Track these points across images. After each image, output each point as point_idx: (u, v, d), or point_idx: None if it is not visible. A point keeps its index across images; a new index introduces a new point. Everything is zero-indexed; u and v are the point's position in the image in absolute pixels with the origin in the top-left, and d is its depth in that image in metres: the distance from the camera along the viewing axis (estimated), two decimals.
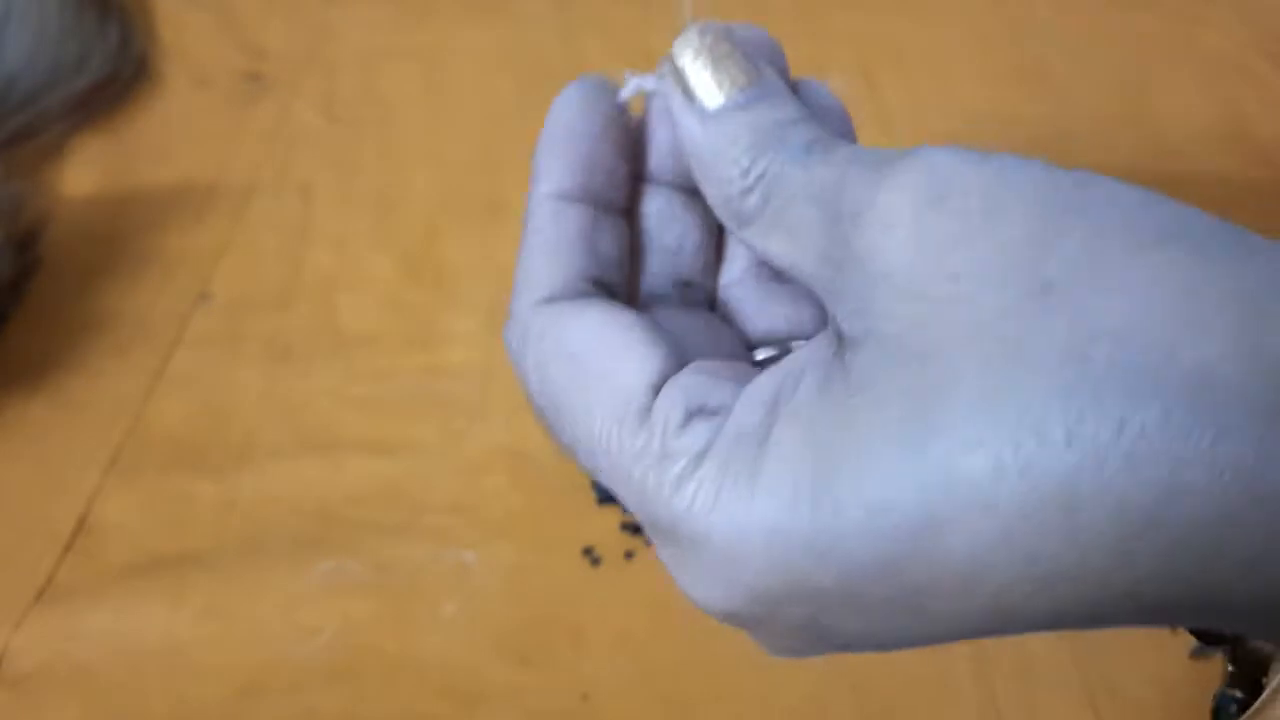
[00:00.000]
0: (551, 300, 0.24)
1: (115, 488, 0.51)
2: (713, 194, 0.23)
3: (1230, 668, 0.30)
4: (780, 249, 0.22)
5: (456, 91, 0.70)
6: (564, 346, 0.23)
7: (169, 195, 0.63)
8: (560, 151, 0.24)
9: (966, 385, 0.18)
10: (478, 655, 0.45)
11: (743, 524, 0.20)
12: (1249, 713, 0.23)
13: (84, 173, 0.64)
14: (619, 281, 0.25)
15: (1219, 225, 0.19)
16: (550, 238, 0.24)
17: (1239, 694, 0.30)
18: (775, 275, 0.27)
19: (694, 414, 0.21)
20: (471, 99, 0.70)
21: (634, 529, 0.48)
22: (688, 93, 0.23)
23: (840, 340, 0.21)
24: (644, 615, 0.46)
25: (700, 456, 0.21)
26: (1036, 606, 0.18)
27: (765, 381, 0.21)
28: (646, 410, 0.22)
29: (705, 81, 0.23)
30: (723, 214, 0.23)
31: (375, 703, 0.44)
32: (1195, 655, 0.40)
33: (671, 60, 0.24)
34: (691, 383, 0.22)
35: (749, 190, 0.22)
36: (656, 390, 0.22)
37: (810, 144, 0.22)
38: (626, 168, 0.25)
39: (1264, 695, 0.23)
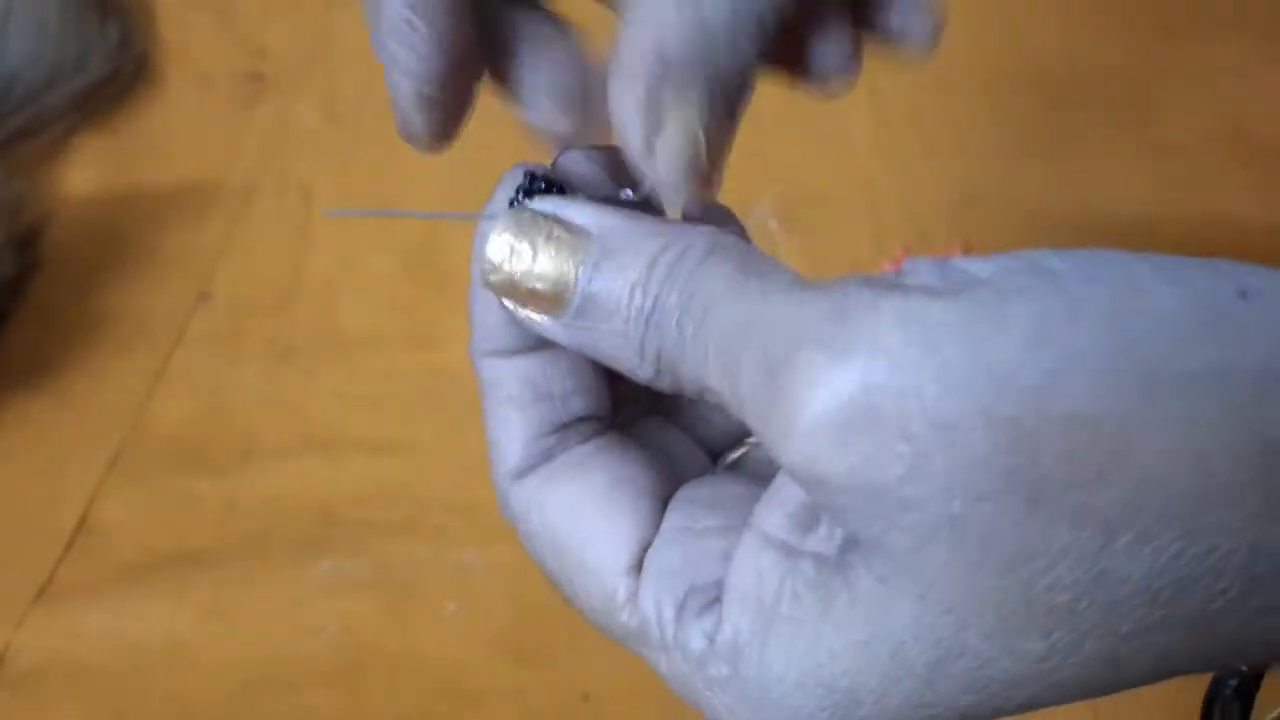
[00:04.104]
0: (520, 475, 0.23)
1: (116, 487, 0.51)
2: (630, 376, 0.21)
3: None
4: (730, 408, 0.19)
5: None
6: (547, 525, 0.22)
7: (169, 195, 0.63)
8: (484, 300, 0.22)
9: (976, 607, 0.17)
10: (478, 655, 0.45)
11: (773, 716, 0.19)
12: None
13: (84, 173, 0.64)
14: (591, 404, 0.23)
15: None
16: (499, 400, 0.23)
17: (1239, 671, 0.28)
18: None
19: (684, 603, 0.20)
20: None
21: None
22: (530, 301, 0.20)
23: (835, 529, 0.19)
24: None
25: (705, 654, 0.20)
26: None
27: (751, 568, 0.19)
28: (633, 595, 0.21)
29: (537, 285, 0.20)
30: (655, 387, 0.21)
31: (375, 702, 0.44)
32: None
33: (486, 269, 0.20)
34: (671, 562, 0.20)
35: (658, 374, 0.20)
36: (639, 566, 0.21)
37: (681, 320, 0.19)
38: None
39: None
